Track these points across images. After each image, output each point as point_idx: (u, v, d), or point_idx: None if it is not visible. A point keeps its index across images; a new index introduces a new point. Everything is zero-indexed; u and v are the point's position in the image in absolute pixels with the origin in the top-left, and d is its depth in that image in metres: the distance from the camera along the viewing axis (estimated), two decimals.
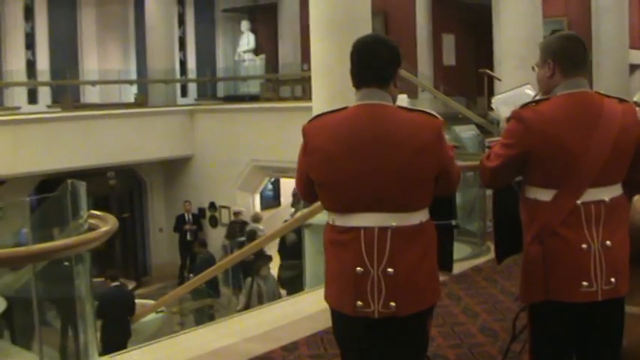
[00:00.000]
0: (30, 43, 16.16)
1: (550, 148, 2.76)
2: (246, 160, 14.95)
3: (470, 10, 15.83)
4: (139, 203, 17.26)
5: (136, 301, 10.27)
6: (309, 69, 18.56)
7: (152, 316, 9.93)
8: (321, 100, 7.65)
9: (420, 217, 2.66)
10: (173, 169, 16.31)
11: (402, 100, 3.42)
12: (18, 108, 15.07)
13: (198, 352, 4.72)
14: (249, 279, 10.89)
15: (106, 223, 4.29)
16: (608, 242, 2.77)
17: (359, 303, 2.61)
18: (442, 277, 4.77)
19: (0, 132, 12.10)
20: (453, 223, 3.52)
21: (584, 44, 2.89)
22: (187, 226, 15.30)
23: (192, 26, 19.77)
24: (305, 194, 2.88)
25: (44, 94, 15.90)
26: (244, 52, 19.01)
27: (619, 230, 2.82)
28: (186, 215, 15.40)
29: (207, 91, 19.83)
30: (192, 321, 11.05)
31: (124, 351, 4.89)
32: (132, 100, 16.51)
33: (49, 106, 15.48)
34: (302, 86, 16.51)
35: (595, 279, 2.76)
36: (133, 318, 9.69)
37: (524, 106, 2.86)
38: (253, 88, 18.25)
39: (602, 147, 2.75)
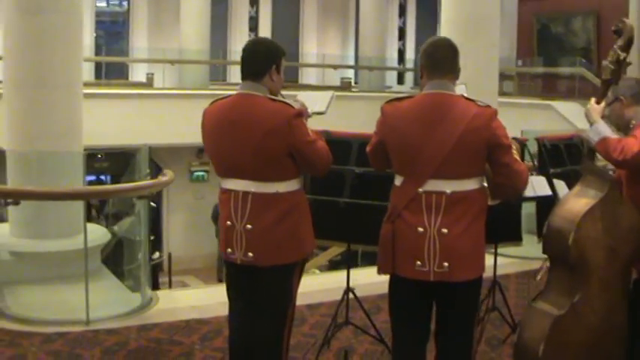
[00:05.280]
0: (253, 26, 17.77)
1: (396, 139, 3.13)
2: None
3: None
4: None
5: None
6: (523, 65, 18.33)
7: None
8: None
9: (278, 187, 3.21)
10: None
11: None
12: (238, 84, 16.63)
13: None
14: None
15: (164, 177, 5.26)
16: (444, 230, 3.04)
17: (229, 250, 3.29)
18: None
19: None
20: None
21: (450, 48, 3.15)
22: None
23: (414, 17, 20.41)
24: None
25: None
26: None
27: (461, 221, 3.06)
28: None
29: None
30: None
31: (180, 288, 5.84)
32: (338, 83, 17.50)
33: None
34: (513, 82, 16.49)
35: (428, 260, 3.05)
36: None
37: (390, 100, 3.21)
38: None
39: (443, 143, 3.01)
